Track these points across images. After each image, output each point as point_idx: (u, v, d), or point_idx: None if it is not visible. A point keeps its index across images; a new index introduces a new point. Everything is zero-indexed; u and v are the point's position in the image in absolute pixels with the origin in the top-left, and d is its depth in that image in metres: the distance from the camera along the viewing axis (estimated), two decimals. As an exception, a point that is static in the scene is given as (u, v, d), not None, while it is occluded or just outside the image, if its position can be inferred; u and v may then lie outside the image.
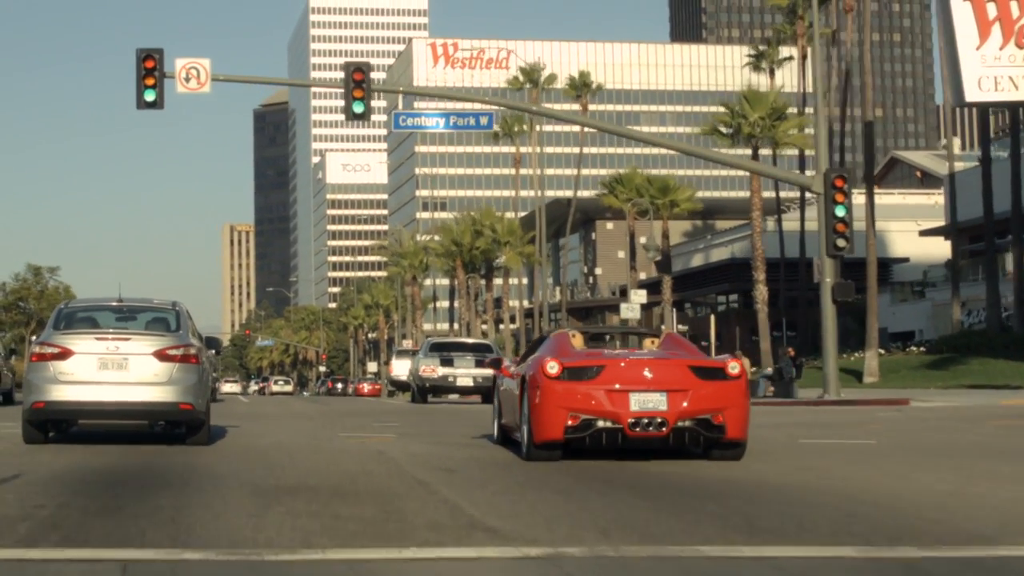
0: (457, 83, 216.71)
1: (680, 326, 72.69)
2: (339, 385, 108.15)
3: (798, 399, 40.90)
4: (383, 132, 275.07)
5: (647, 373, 14.18)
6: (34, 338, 34.85)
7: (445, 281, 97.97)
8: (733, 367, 14.41)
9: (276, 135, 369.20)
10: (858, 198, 60.85)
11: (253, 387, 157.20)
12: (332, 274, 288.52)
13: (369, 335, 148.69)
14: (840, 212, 35.23)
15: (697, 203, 77.32)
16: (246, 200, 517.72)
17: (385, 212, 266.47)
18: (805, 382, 48.42)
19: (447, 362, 40.12)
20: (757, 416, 18.98)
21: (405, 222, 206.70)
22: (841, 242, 35.08)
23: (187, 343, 16.85)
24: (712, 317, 66.12)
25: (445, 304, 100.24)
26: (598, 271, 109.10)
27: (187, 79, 35.33)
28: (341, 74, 34.14)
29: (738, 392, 14.32)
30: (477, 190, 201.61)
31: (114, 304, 18.07)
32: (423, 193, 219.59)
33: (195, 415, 16.77)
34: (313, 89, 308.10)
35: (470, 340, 46.95)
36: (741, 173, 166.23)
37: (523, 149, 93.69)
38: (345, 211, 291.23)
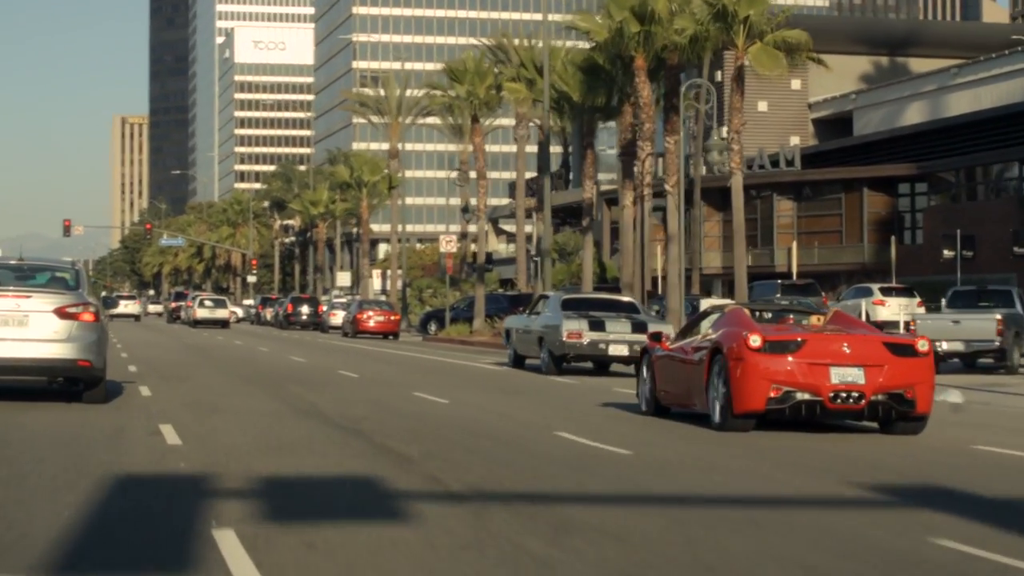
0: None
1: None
2: (304, 308, 68.37)
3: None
4: (309, 10, 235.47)
5: (846, 348, 15.09)
6: None
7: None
8: (922, 344, 15.32)
9: (175, 16, 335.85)
10: None
11: (153, 307, 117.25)
12: (240, 167, 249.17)
13: (306, 232, 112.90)
14: None
15: None
16: (140, 90, 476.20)
17: (308, 97, 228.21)
18: None
19: (597, 325, 30.48)
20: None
21: (335, 103, 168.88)
22: None
23: (85, 301, 17.29)
24: None
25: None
26: (724, 133, 70.14)
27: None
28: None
29: (927, 369, 15.24)
30: (428, 62, 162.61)
31: (14, 263, 18.60)
32: (361, 65, 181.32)
33: (93, 372, 17.19)
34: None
35: (623, 298, 35.39)
36: None
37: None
38: (257, 95, 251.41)
